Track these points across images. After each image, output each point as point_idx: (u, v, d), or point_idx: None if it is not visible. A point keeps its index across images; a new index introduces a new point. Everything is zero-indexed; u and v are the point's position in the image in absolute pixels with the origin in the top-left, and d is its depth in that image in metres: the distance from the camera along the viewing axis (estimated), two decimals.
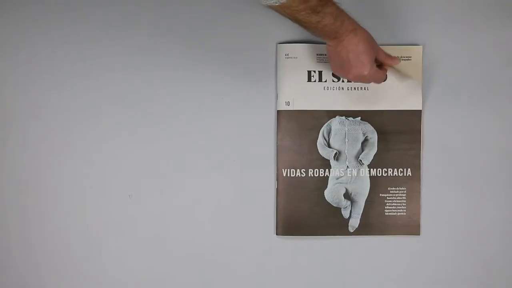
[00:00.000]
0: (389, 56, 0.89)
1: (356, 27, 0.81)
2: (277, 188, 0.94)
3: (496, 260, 0.94)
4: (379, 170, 0.94)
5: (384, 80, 0.92)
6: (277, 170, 0.94)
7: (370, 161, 0.94)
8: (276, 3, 0.70)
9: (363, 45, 0.81)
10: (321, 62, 0.94)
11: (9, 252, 0.94)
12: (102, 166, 0.94)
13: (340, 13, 0.78)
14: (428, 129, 0.94)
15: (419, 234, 0.94)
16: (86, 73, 0.94)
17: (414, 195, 0.94)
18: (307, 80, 0.94)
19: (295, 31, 0.93)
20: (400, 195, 0.94)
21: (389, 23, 0.95)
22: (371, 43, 0.83)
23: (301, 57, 0.94)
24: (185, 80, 0.94)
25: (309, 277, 0.94)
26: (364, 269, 0.94)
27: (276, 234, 0.94)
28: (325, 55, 0.92)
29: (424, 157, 0.94)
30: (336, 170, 0.94)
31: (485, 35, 0.95)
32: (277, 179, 0.94)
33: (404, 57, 0.94)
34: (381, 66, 0.89)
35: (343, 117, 0.94)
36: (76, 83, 0.94)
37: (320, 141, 0.94)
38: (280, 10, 0.73)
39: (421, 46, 0.95)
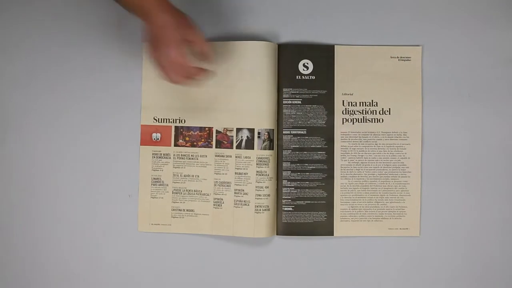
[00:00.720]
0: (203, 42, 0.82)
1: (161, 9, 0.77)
2: (277, 188, 0.94)
3: (496, 260, 0.94)
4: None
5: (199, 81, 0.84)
6: (277, 170, 0.94)
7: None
8: None
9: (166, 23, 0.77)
10: None
11: (10, 251, 0.94)
12: (102, 166, 0.94)
13: None
14: (428, 129, 0.94)
15: (419, 234, 0.94)
16: (86, 73, 0.95)
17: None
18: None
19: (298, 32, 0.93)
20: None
21: (389, 23, 0.95)
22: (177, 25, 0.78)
23: None
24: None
25: (309, 277, 0.94)
26: (364, 269, 0.94)
27: (276, 234, 0.94)
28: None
29: (424, 157, 0.94)
30: None
31: (485, 35, 0.95)
32: (277, 179, 0.94)
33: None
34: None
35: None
36: (76, 83, 0.95)
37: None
38: None
39: (420, 46, 0.95)
